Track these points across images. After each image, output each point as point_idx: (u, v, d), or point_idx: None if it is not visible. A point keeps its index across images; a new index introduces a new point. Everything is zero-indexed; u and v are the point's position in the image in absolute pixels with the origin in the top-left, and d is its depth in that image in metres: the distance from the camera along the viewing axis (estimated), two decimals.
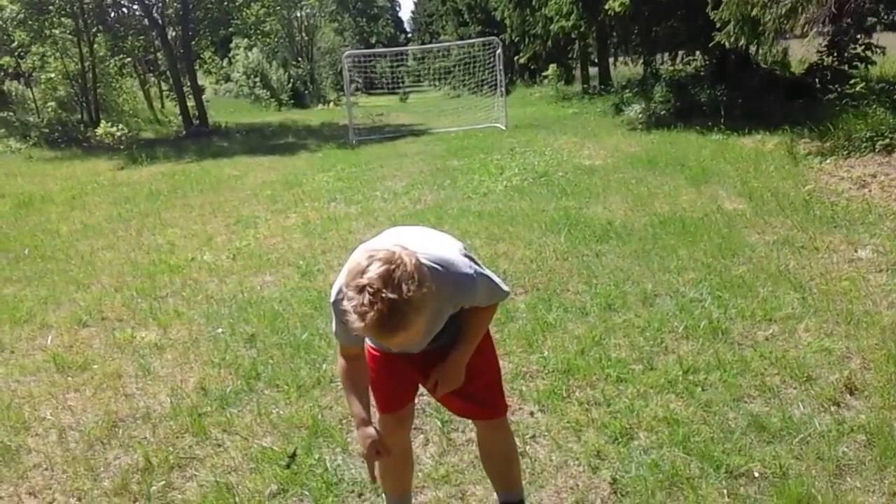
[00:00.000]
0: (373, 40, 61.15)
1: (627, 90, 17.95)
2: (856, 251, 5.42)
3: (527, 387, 3.73)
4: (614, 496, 2.83)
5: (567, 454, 3.13)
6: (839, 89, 11.76)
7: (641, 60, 18.35)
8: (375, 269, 1.76)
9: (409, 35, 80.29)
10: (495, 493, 2.66)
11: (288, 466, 3.19)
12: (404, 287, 1.75)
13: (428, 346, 2.29)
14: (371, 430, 2.24)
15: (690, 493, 2.76)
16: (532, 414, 3.48)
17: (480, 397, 2.42)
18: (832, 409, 3.31)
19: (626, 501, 2.78)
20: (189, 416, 3.71)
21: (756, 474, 2.87)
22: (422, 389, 2.50)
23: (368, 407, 2.28)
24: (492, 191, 8.77)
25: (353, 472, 3.11)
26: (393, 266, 1.77)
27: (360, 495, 2.96)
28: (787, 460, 2.94)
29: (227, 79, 36.72)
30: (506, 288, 2.26)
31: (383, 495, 2.61)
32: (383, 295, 1.73)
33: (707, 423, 3.26)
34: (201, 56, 27.47)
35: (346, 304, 1.78)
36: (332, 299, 2.08)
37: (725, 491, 2.78)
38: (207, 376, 4.20)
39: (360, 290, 1.75)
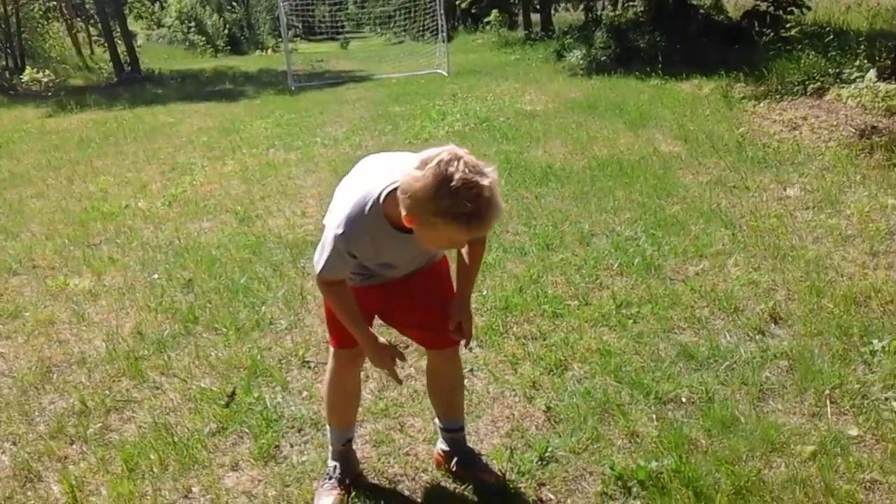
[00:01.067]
0: None
1: (569, 36, 17.90)
2: (784, 190, 5.59)
3: None
4: (548, 423, 2.91)
5: (504, 385, 3.20)
6: (774, 34, 11.96)
7: (582, 6, 18.31)
8: (478, 167, 1.84)
9: None
10: (436, 420, 2.70)
11: (227, 405, 3.20)
12: (487, 170, 1.86)
13: (406, 273, 2.36)
14: (384, 342, 2.33)
15: (621, 419, 2.86)
16: (471, 349, 3.53)
17: (440, 326, 2.45)
18: (757, 337, 3.45)
19: (560, 427, 2.87)
20: (125, 359, 3.67)
21: (683, 399, 2.99)
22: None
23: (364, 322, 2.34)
24: (433, 136, 8.73)
25: (292, 408, 3.13)
26: (470, 157, 1.86)
27: (299, 430, 2.99)
28: (714, 386, 3.06)
29: (160, 24, 35.40)
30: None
31: (327, 427, 2.64)
32: (489, 181, 1.83)
33: (638, 354, 3.37)
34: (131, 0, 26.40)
35: (459, 207, 1.80)
36: (338, 231, 2.06)
37: (654, 415, 2.89)
38: (144, 321, 4.14)
39: (472, 186, 1.80)
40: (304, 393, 3.27)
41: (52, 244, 5.66)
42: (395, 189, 1.99)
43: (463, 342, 2.48)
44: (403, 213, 1.92)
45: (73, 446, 3.03)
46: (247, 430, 3.01)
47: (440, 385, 2.67)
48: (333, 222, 2.11)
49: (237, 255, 5.10)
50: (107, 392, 3.40)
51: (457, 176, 1.81)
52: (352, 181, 2.22)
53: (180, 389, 3.38)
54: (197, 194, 6.96)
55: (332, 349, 2.54)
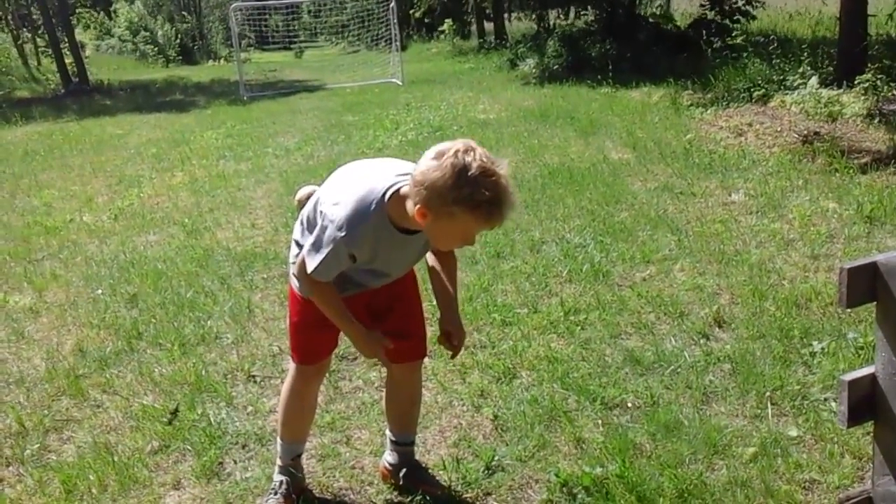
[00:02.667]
0: None
1: (522, 45, 18.04)
2: (730, 195, 5.69)
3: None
4: (496, 432, 2.91)
5: (452, 395, 3.19)
6: (721, 42, 12.20)
7: (535, 15, 18.48)
8: (492, 158, 1.89)
9: None
10: (388, 433, 2.67)
11: (170, 423, 3.13)
12: (502, 162, 1.92)
13: (387, 281, 2.33)
14: (378, 334, 2.28)
15: (567, 425, 2.87)
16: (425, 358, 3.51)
17: (408, 337, 2.45)
18: (701, 341, 3.50)
19: (507, 436, 2.87)
20: (66, 378, 3.57)
21: (629, 404, 3.01)
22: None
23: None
24: (387, 145, 8.73)
25: (237, 424, 3.08)
26: (484, 150, 1.91)
27: (244, 446, 2.94)
28: (658, 390, 3.09)
29: (109, 34, 34.80)
30: None
31: (277, 441, 2.59)
32: (504, 171, 1.89)
33: (585, 360, 3.39)
34: (80, 9, 25.90)
35: (478, 195, 1.84)
36: (341, 233, 2.02)
37: (600, 421, 2.91)
38: (86, 338, 4.04)
39: (491, 174, 1.85)
40: (250, 408, 3.22)
41: None
42: (399, 189, 2.02)
43: (451, 354, 2.47)
44: (416, 206, 1.91)
45: (10, 468, 2.94)
46: (189, 448, 2.95)
47: (399, 398, 2.63)
48: (335, 223, 2.04)
49: (184, 268, 5.02)
50: (45, 412, 3.31)
51: (475, 164, 1.84)
52: (346, 182, 2.17)
53: (122, 407, 3.31)
54: (144, 207, 6.84)
55: (293, 365, 2.50)
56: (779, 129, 7.59)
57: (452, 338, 2.38)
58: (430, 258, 2.40)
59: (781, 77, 9.13)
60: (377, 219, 2.04)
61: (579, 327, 3.71)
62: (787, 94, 8.61)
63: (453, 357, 2.53)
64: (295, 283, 2.36)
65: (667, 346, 3.45)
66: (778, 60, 9.69)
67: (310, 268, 2.12)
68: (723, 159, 6.71)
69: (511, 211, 1.93)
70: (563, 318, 3.81)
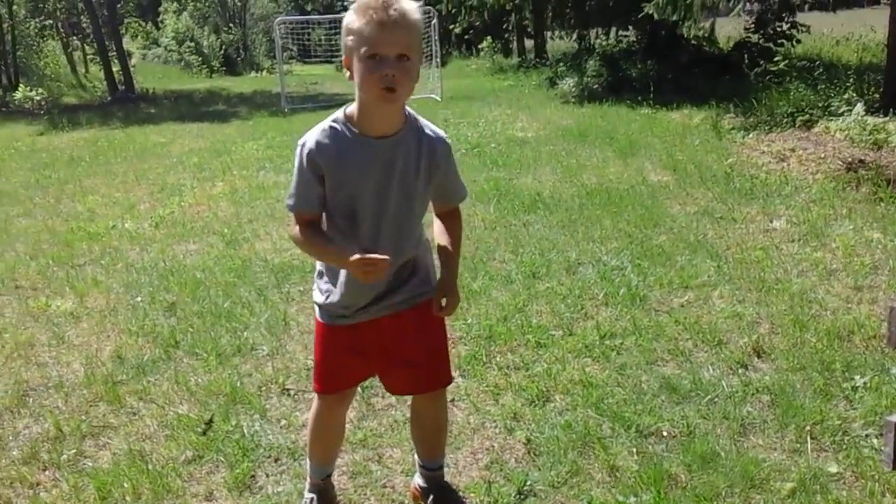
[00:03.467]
0: (308, 7, 59.92)
1: (562, 64, 18.06)
2: (771, 222, 5.61)
3: (449, 353, 3.75)
4: (528, 456, 2.88)
5: (485, 416, 3.18)
6: (764, 66, 12.07)
7: (576, 35, 18.48)
8: None
9: (346, 3, 79.08)
10: (416, 457, 2.66)
11: (204, 433, 3.15)
12: None
13: (393, 299, 2.25)
14: (356, 255, 1.99)
15: (601, 452, 2.84)
16: (453, 379, 3.50)
17: (428, 367, 2.38)
18: (740, 371, 3.44)
19: (540, 461, 2.84)
20: (103, 384, 3.62)
21: (664, 433, 2.97)
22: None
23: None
24: None
25: (270, 438, 3.09)
26: None
27: (276, 460, 2.95)
28: (695, 420, 3.04)
29: (156, 43, 35.53)
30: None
31: (307, 461, 2.60)
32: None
33: (621, 386, 3.35)
34: (128, 19, 26.50)
35: (368, 7, 1.96)
36: (301, 142, 2.11)
37: (635, 449, 2.87)
38: (124, 345, 4.10)
39: None
40: (283, 421, 3.23)
41: (35, 264, 5.62)
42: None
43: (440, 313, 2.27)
44: (344, 59, 2.04)
45: (46, 473, 2.98)
46: (223, 459, 2.96)
47: (424, 426, 2.60)
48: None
49: (222, 278, 5.07)
50: (83, 417, 3.36)
51: None
52: None
53: (157, 416, 3.34)
54: (185, 216, 6.94)
55: (315, 396, 2.49)
56: (822, 155, 7.48)
57: (446, 300, 2.25)
58: (436, 226, 2.34)
59: (826, 103, 9.02)
60: (335, 126, 2.11)
61: (615, 352, 3.67)
62: (831, 120, 8.50)
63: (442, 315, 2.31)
64: (317, 309, 2.35)
65: (704, 375, 3.40)
66: (823, 86, 9.58)
67: (288, 202, 2.18)
68: (764, 185, 6.62)
69: (404, 18, 1.98)
70: (598, 341, 3.78)
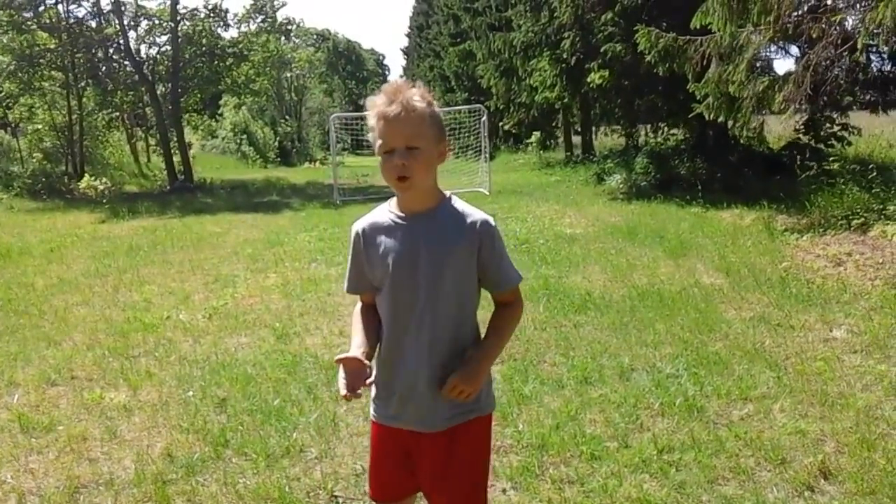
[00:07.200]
0: (361, 102, 61.93)
1: (609, 160, 18.25)
2: (831, 331, 5.45)
3: (500, 462, 3.67)
4: None
5: None
6: (816, 167, 12.01)
7: (623, 131, 18.71)
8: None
9: None
10: None
11: None
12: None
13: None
14: (340, 355, 2.12)
15: None
16: (504, 491, 3.42)
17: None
18: (806, 493, 3.29)
19: None
20: (153, 483, 3.61)
21: None
22: None
23: (370, 340, 2.23)
24: None
25: None
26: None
27: None
28: None
29: (214, 135, 36.97)
30: (520, 273, 2.31)
31: None
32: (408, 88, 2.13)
33: None
34: (190, 112, 27.71)
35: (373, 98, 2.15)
36: (351, 230, 2.29)
37: None
38: (175, 442, 4.10)
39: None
40: None
41: (92, 354, 5.72)
42: None
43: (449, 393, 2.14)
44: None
45: None
46: None
47: None
48: None
49: (272, 374, 5.09)
50: None
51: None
52: None
53: None
54: (238, 308, 7.04)
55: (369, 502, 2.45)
56: (880, 260, 7.32)
57: (453, 378, 2.13)
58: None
59: (881, 206, 8.88)
60: (383, 208, 2.27)
61: (673, 468, 3.54)
62: (887, 223, 8.35)
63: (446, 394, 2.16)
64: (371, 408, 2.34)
65: (768, 497, 3.25)
66: (878, 189, 9.46)
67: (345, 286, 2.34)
68: (822, 290, 6.48)
69: (407, 109, 2.07)
70: (655, 456, 3.66)
